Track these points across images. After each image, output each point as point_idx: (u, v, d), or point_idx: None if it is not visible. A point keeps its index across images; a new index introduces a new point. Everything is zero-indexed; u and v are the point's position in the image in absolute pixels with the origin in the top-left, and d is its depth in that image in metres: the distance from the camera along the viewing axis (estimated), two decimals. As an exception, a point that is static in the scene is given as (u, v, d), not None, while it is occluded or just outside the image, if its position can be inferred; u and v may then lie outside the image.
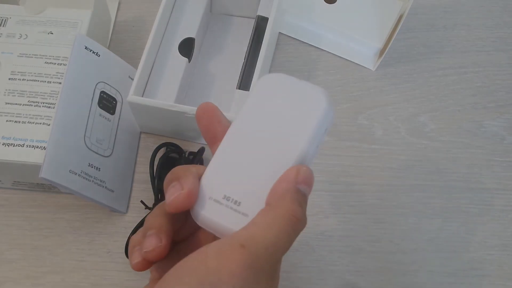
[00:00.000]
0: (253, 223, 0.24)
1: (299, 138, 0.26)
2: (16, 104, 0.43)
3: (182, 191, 0.26)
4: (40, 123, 0.43)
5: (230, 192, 0.26)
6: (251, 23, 0.51)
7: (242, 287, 0.22)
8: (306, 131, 0.26)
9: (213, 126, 0.28)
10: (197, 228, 0.28)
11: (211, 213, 0.26)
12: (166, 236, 0.26)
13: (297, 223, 0.24)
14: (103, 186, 0.43)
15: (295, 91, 0.27)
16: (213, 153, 0.28)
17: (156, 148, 0.46)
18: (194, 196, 0.26)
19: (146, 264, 0.27)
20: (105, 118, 0.45)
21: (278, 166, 0.25)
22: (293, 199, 0.24)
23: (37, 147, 0.41)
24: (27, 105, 0.43)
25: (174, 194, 0.26)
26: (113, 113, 0.46)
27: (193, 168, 0.27)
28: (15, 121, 0.43)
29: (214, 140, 0.28)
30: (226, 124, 0.28)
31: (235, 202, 0.26)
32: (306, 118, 0.26)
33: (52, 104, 0.43)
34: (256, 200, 0.25)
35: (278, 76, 0.28)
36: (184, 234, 0.29)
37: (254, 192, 0.25)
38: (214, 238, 0.27)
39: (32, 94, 0.44)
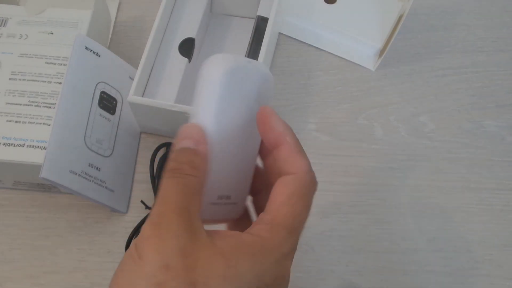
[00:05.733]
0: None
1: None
2: (16, 104, 0.43)
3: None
4: (41, 123, 0.43)
5: (222, 191, 0.28)
6: (251, 23, 0.51)
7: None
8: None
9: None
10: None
11: (213, 215, 0.29)
12: None
13: None
14: (103, 186, 0.43)
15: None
16: None
17: (156, 148, 0.46)
18: None
19: None
20: (105, 118, 0.45)
21: (249, 156, 0.28)
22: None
23: (38, 147, 0.41)
24: (28, 105, 0.43)
25: None
26: (113, 113, 0.46)
27: None
28: (16, 121, 0.43)
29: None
30: None
31: (227, 197, 0.28)
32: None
33: (53, 104, 0.44)
34: (241, 190, 0.29)
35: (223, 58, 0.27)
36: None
37: (238, 183, 0.29)
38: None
39: (33, 94, 0.44)
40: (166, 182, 0.24)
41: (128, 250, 0.24)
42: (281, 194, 0.25)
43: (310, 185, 0.26)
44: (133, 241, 0.24)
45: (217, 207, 0.28)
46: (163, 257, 0.22)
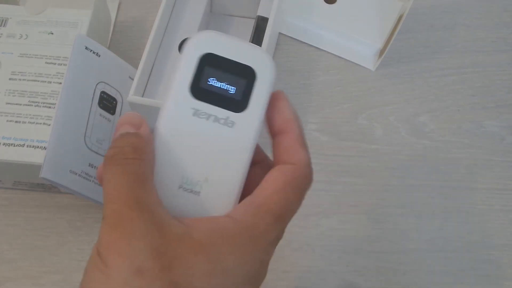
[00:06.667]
0: None
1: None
2: (16, 104, 0.43)
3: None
4: (41, 123, 0.43)
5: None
6: (251, 23, 0.51)
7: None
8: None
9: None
10: None
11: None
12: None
13: None
14: (103, 186, 0.43)
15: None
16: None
17: (156, 148, 0.46)
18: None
19: None
20: (105, 118, 0.45)
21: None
22: None
23: (38, 147, 0.41)
24: (28, 105, 0.43)
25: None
26: (113, 113, 0.46)
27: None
28: (16, 121, 0.43)
29: None
30: None
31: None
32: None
33: (53, 104, 0.44)
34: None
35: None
36: None
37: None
38: None
39: (33, 94, 0.44)
40: (109, 173, 0.21)
41: (90, 258, 0.21)
42: (275, 182, 0.23)
43: (307, 179, 0.24)
44: (94, 248, 0.21)
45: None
46: (133, 261, 0.19)
